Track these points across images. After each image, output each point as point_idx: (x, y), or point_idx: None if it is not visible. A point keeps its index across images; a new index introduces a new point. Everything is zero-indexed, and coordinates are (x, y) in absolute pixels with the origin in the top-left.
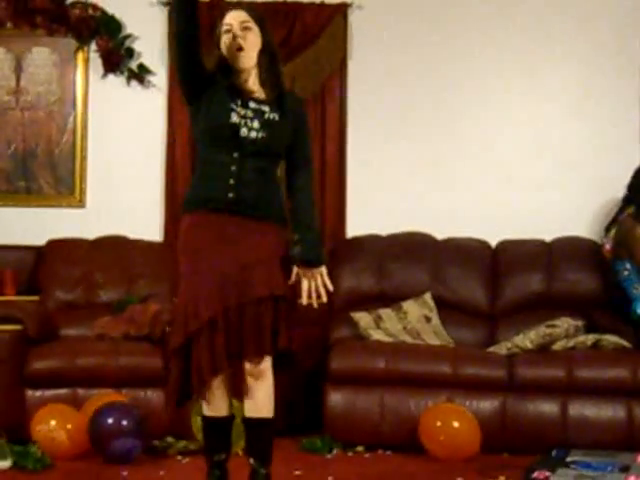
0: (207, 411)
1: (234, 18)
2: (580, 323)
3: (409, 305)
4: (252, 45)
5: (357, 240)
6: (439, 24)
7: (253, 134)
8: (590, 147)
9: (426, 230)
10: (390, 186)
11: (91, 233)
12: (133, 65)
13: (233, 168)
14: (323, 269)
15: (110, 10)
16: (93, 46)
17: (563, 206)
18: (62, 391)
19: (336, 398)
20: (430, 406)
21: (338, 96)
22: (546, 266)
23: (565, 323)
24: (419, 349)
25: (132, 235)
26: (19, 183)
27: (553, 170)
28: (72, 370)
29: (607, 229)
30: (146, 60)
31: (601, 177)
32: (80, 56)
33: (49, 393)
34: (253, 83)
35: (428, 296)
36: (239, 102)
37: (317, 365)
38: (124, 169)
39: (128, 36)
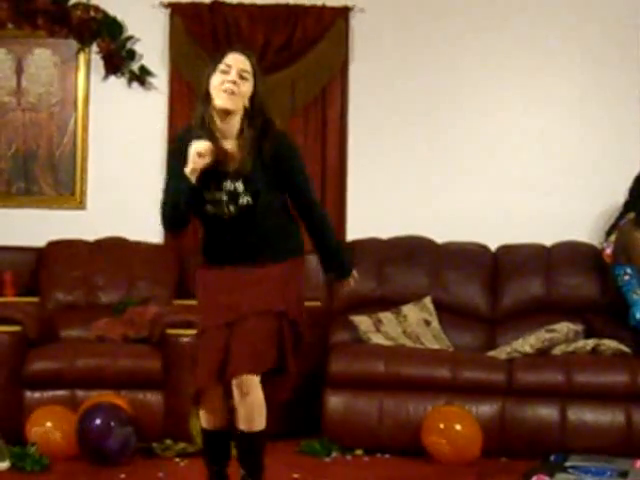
0: (205, 424)
1: (236, 63)
2: (579, 328)
3: (409, 309)
4: (241, 93)
5: (357, 244)
6: (440, 28)
7: (234, 214)
8: (591, 152)
9: (426, 234)
10: (390, 190)
11: (91, 235)
12: (134, 67)
13: (228, 238)
14: (353, 273)
15: (112, 12)
16: (94, 48)
17: (563, 211)
18: (61, 392)
19: (335, 401)
20: (432, 408)
21: (339, 99)
22: (546, 271)
23: (564, 328)
24: (418, 353)
25: (132, 237)
26: (19, 184)
27: (553, 175)
28: (71, 371)
29: (608, 234)
30: (147, 62)
31: (602, 182)
32: (81, 58)
33: (48, 394)
34: (232, 142)
35: (428, 300)
36: (212, 185)
37: (316, 368)
38: (125, 171)
39: (129, 38)
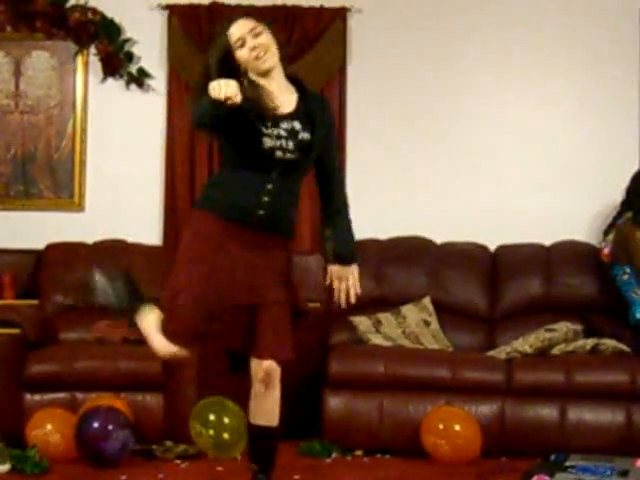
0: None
1: (242, 28)
2: (579, 327)
3: (408, 309)
4: (270, 45)
5: (356, 244)
6: (438, 29)
7: (288, 155)
8: (589, 152)
9: (425, 234)
10: (389, 190)
11: (90, 237)
12: (132, 69)
13: (269, 186)
14: (355, 269)
15: (110, 14)
16: (92, 50)
17: (562, 210)
18: (60, 395)
19: (335, 402)
20: (432, 409)
21: (337, 100)
22: (545, 270)
23: (564, 327)
24: (418, 353)
25: (131, 239)
26: (18, 187)
27: (552, 175)
28: (71, 374)
29: (605, 233)
30: (145, 64)
31: (600, 182)
32: (79, 60)
33: (48, 397)
34: (279, 90)
35: (427, 300)
36: (269, 124)
37: (316, 369)
38: (123, 173)
39: (127, 40)
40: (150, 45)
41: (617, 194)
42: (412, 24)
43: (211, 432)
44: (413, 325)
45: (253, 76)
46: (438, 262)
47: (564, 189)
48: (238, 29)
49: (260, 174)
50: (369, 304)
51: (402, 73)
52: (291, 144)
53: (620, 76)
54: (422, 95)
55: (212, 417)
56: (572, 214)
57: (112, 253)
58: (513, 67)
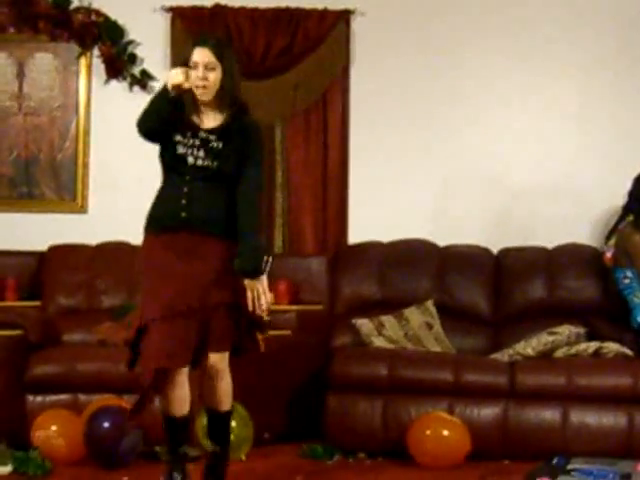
0: (169, 411)
1: (200, 57)
2: (581, 330)
3: (411, 312)
4: (211, 84)
5: (359, 247)
6: (441, 32)
7: (199, 162)
8: (591, 155)
9: (428, 237)
10: (392, 193)
11: (93, 239)
12: (136, 71)
13: (185, 189)
14: (262, 280)
15: (113, 16)
16: (96, 52)
17: (564, 214)
18: (63, 397)
19: (337, 404)
20: (418, 416)
21: (340, 103)
22: (547, 274)
23: (566, 330)
24: (421, 356)
25: (134, 241)
26: (21, 189)
27: (554, 178)
28: (73, 376)
29: (607, 237)
30: (149, 66)
31: (601, 185)
32: (83, 62)
33: (50, 399)
34: (208, 112)
35: (430, 303)
36: (188, 133)
37: (318, 371)
38: (126, 175)
39: (131, 42)
40: (153, 47)
41: (618, 198)
42: (415, 27)
43: None
44: (416, 328)
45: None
46: (441, 265)
47: (566, 193)
48: (198, 55)
49: (177, 180)
50: (372, 307)
51: (405, 75)
52: (202, 152)
53: (624, 80)
54: (425, 97)
55: None
56: (575, 218)
57: (115, 255)
58: (515, 70)
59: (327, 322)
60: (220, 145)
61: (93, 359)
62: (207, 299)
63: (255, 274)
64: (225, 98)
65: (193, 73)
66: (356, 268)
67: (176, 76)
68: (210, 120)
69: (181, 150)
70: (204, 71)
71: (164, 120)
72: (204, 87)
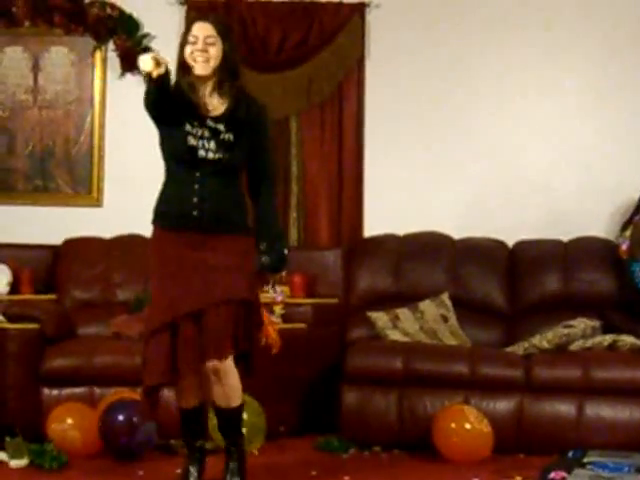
0: (183, 403)
1: (201, 31)
2: (597, 323)
3: (426, 305)
4: (212, 58)
5: (374, 240)
6: (456, 24)
7: (210, 155)
8: (606, 148)
9: (443, 230)
10: (407, 186)
11: (108, 232)
12: None
13: (196, 187)
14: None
15: (128, 9)
16: (111, 45)
17: (580, 206)
18: (78, 390)
19: (353, 398)
20: (442, 408)
21: (355, 96)
22: (563, 266)
23: (582, 323)
24: (436, 349)
25: (149, 234)
26: (36, 182)
27: (570, 171)
28: (88, 369)
29: (623, 229)
30: None
31: (617, 178)
32: (98, 55)
33: (65, 392)
34: (210, 95)
35: (445, 296)
36: (195, 123)
37: (333, 364)
38: (141, 168)
39: (146, 35)
40: (168, 41)
41: (635, 190)
42: (430, 20)
43: None
44: (431, 321)
45: (193, 77)
46: (456, 258)
47: (582, 185)
48: (198, 29)
49: (187, 175)
50: (387, 300)
51: (420, 68)
52: (213, 144)
53: (636, 71)
54: (440, 90)
55: None
56: (590, 210)
57: (130, 248)
58: (531, 61)
59: (342, 315)
60: (232, 137)
61: (108, 352)
62: (212, 294)
63: (282, 269)
64: (227, 75)
65: (190, 48)
66: (371, 261)
67: (144, 64)
68: (215, 105)
69: (192, 142)
70: (204, 44)
71: (159, 103)
72: (205, 61)
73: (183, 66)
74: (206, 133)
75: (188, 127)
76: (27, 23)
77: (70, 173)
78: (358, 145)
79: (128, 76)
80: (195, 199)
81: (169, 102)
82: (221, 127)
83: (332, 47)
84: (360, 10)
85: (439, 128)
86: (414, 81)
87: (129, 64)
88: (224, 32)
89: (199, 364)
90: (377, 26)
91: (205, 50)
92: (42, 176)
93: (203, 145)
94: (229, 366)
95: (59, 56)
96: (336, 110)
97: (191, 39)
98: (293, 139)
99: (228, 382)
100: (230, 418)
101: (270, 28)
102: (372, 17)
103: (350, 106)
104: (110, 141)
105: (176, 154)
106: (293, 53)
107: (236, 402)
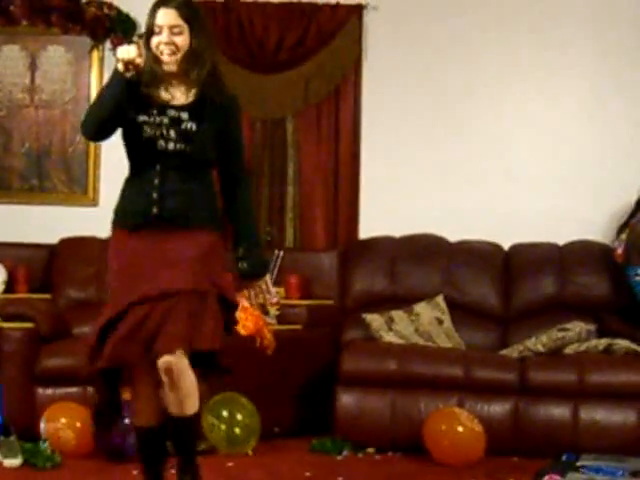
0: (137, 421)
1: (165, 19)
2: (592, 327)
3: (421, 307)
4: (179, 48)
5: (370, 242)
6: (453, 26)
7: (171, 146)
8: (602, 151)
9: (439, 232)
10: (403, 188)
11: (104, 232)
12: None
13: (156, 182)
14: (267, 278)
15: (125, 9)
16: (108, 45)
17: (575, 210)
18: (73, 389)
19: (347, 399)
20: (434, 411)
21: (352, 97)
22: (558, 270)
23: (577, 327)
24: (431, 351)
25: None
26: (33, 181)
27: (565, 174)
28: (83, 368)
29: (619, 233)
30: None
31: (613, 181)
32: (95, 55)
33: (60, 391)
34: (177, 83)
35: (440, 298)
36: (154, 111)
37: (328, 366)
38: None
39: (142, 35)
40: None
41: (631, 193)
42: (427, 21)
43: (223, 427)
44: (426, 323)
45: (161, 69)
46: (451, 260)
47: (577, 189)
48: (162, 17)
49: (147, 170)
50: (382, 302)
51: (417, 70)
52: (172, 133)
53: (635, 75)
54: (437, 92)
55: (225, 413)
56: (585, 213)
57: None
58: (528, 66)
59: (337, 317)
60: (193, 126)
61: None
62: (164, 283)
63: (263, 275)
64: (195, 64)
65: (156, 39)
66: (367, 263)
67: (127, 52)
68: (181, 95)
69: (148, 132)
70: (169, 35)
71: (120, 107)
72: (171, 54)
73: (147, 45)
74: (165, 120)
75: (143, 117)
76: (24, 22)
77: (66, 172)
78: (354, 147)
79: None
80: (154, 195)
81: (124, 103)
82: (184, 116)
83: (329, 48)
84: (357, 12)
85: (436, 130)
86: (411, 83)
87: None
88: (190, 16)
89: (146, 354)
90: (374, 28)
91: (171, 42)
92: (38, 175)
93: (162, 134)
94: (183, 366)
95: (56, 55)
96: (333, 111)
97: (156, 29)
98: (289, 140)
99: (182, 385)
100: (183, 428)
101: (268, 29)
102: (369, 19)
103: (347, 107)
104: (106, 141)
105: (134, 148)
106: (290, 54)
107: (191, 410)
